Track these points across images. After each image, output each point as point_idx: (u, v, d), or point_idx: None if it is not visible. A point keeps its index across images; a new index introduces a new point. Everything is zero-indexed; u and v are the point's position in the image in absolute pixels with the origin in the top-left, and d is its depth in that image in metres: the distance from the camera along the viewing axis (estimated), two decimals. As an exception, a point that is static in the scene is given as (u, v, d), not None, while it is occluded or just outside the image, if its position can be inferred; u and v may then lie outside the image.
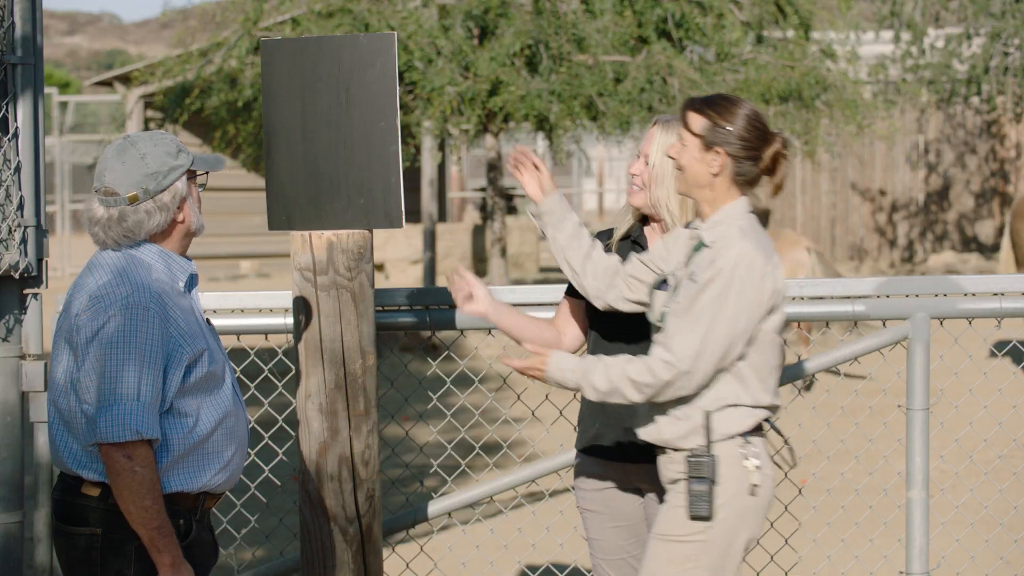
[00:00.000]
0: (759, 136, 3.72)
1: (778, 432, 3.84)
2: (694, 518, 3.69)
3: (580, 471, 4.19)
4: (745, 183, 3.74)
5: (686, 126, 3.74)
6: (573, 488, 4.23)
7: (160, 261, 3.53)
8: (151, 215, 3.49)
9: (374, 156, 3.96)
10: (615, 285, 3.92)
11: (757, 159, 3.73)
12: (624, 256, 3.99)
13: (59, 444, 3.51)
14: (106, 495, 3.44)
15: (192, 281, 3.60)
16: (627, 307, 3.91)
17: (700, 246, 3.75)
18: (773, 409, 3.78)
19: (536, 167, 3.94)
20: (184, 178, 3.54)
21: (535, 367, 3.75)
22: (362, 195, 3.96)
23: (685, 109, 3.77)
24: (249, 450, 4.91)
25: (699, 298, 3.65)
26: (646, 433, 3.81)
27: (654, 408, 3.77)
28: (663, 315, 3.76)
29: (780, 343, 3.80)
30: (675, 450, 3.74)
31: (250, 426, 4.93)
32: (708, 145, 3.70)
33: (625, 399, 3.73)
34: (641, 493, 4.10)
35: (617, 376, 3.71)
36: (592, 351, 4.12)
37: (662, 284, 3.91)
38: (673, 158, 3.79)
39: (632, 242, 4.09)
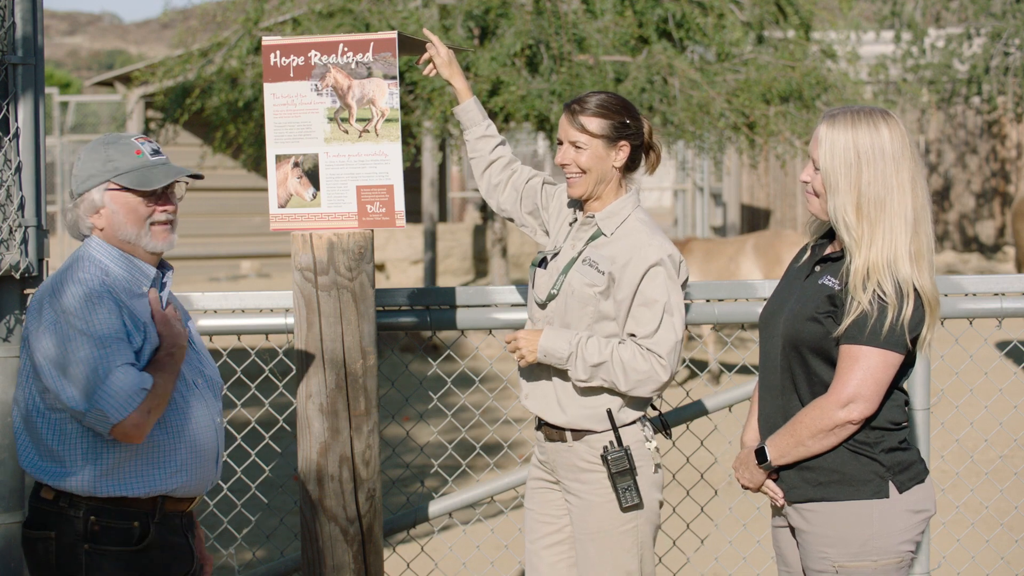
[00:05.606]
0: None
1: (655, 408, 4.09)
2: (627, 509, 3.85)
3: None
4: None
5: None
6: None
7: (113, 262, 3.54)
8: (80, 217, 3.57)
9: None
10: (502, 187, 4.17)
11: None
12: (807, 281, 3.55)
13: (21, 452, 3.52)
14: (58, 498, 3.46)
15: (155, 283, 3.58)
16: (498, 210, 4.17)
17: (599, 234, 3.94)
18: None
19: None
20: (101, 188, 3.54)
21: (529, 343, 3.86)
22: None
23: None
24: (249, 450, 4.93)
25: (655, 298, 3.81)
26: (555, 417, 3.93)
27: (563, 392, 3.90)
28: (551, 296, 3.92)
29: None
30: (581, 437, 3.90)
31: (250, 426, 4.95)
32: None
33: (608, 382, 3.82)
34: (794, 534, 3.61)
35: (610, 353, 3.80)
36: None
37: (542, 262, 4.02)
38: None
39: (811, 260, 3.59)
